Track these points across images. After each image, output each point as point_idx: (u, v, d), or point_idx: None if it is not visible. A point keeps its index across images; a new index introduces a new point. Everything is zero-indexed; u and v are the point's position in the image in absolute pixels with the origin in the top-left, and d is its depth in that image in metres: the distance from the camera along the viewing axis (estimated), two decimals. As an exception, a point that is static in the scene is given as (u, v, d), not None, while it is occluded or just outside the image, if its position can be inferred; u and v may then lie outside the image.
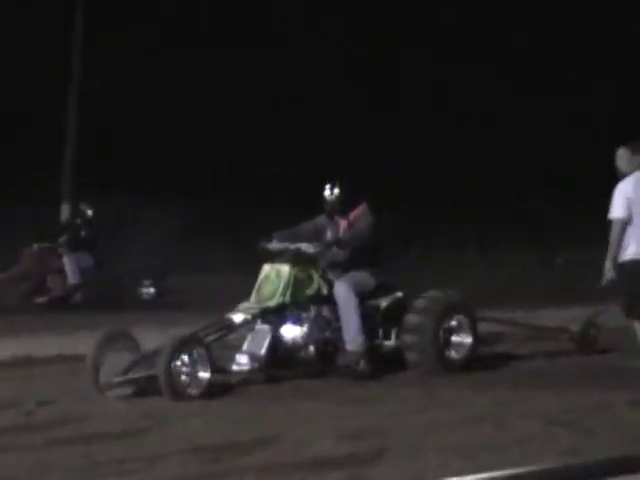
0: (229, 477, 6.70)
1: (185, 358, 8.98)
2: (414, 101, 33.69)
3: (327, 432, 7.66)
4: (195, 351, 9.11)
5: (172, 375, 8.84)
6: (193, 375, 9.04)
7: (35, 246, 17.96)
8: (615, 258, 9.78)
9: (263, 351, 9.56)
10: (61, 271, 17.54)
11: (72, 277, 17.35)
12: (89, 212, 18.05)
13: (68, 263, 17.45)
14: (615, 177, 10.07)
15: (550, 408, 8.39)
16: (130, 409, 8.72)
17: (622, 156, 10.05)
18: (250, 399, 9.21)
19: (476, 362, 10.42)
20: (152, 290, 17.72)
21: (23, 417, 8.30)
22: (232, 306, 9.93)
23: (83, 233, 17.72)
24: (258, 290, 9.92)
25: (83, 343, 10.76)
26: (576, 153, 29.67)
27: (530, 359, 11.24)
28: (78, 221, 18.12)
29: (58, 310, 16.68)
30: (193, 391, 8.99)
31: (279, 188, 27.32)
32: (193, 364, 9.06)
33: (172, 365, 8.83)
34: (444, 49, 33.94)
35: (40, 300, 17.32)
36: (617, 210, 9.83)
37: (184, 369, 8.99)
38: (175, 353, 8.93)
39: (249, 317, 9.66)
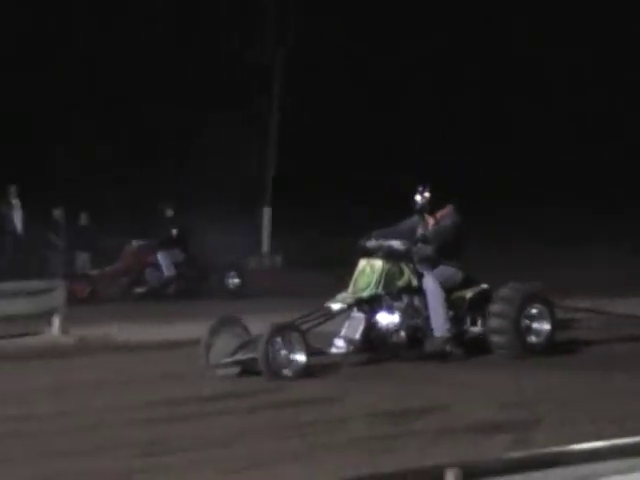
0: (408, 438, 7.75)
1: (281, 342, 10.01)
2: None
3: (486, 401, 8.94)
4: (291, 336, 10.13)
5: (269, 358, 9.85)
6: (289, 358, 10.05)
7: (134, 243, 19.49)
8: None
9: (358, 336, 10.61)
10: (157, 265, 18.98)
11: (166, 271, 18.88)
12: (169, 212, 19.74)
13: (162, 258, 18.99)
14: None
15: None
16: (309, 382, 10.02)
17: None
18: (403, 377, 10.41)
19: (555, 346, 11.35)
20: (237, 280, 18.97)
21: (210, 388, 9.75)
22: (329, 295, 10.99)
23: (174, 231, 19.10)
24: (354, 282, 10.95)
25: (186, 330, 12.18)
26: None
27: (607, 343, 12.22)
28: (169, 214, 19.73)
29: (155, 300, 18.26)
30: (289, 372, 10.00)
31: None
32: (289, 348, 10.05)
33: (269, 349, 9.85)
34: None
35: (139, 291, 18.99)
36: None
37: (282, 352, 10.00)
38: (272, 338, 9.94)
39: (345, 306, 10.70)
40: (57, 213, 21.48)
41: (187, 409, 8.96)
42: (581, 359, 11.40)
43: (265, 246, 27.22)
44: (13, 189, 21.18)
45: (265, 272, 23.56)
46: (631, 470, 4.89)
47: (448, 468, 4.78)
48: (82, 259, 21.28)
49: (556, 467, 5.00)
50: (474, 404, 8.90)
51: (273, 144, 29.44)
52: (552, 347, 11.32)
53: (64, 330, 13.52)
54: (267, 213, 27.41)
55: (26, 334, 13.25)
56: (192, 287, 19.30)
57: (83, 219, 21.80)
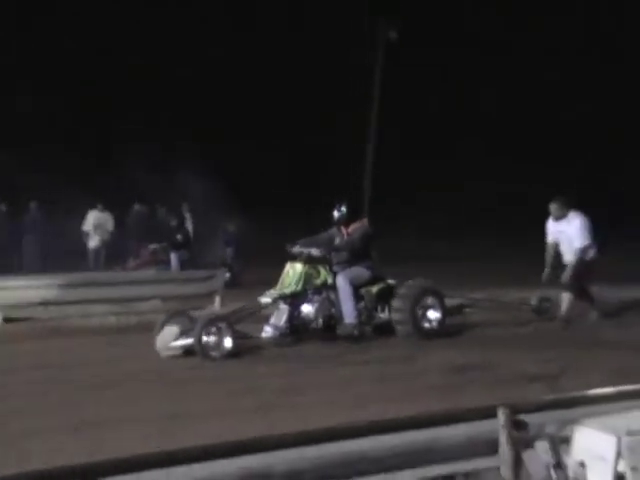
0: (471, 385, 10.22)
1: (213, 330, 12.39)
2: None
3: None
4: (220, 325, 12.46)
5: (201, 343, 12.29)
6: (218, 343, 12.34)
7: (151, 246, 23.72)
8: None
9: (282, 323, 13.50)
10: (168, 263, 22.68)
11: (175, 268, 22.57)
12: (173, 221, 24.41)
13: (173, 258, 22.59)
14: None
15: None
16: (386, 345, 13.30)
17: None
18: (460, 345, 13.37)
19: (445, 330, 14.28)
20: (227, 275, 21.97)
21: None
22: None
23: (179, 237, 23.04)
24: (281, 281, 13.86)
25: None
26: None
27: (493, 326, 15.28)
28: (173, 224, 23.50)
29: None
30: (217, 354, 12.28)
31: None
32: (219, 335, 12.36)
33: (202, 336, 12.36)
34: None
35: None
36: None
37: (212, 338, 12.35)
38: (205, 328, 12.40)
39: (270, 300, 13.62)
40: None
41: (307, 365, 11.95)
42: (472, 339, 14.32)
43: None
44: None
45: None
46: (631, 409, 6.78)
47: (500, 406, 6.65)
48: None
49: (579, 406, 7.01)
50: (516, 360, 11.86)
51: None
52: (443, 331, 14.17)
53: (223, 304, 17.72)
54: None
55: (199, 307, 16.82)
56: None
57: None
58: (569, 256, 15.12)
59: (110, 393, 10.23)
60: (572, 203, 15.20)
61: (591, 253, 15.10)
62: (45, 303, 17.23)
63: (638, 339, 13.44)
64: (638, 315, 16.02)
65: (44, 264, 24.74)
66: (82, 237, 26.73)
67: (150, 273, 21.59)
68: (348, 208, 14.43)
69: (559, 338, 14.09)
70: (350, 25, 35.56)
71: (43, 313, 17.05)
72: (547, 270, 15.30)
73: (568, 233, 15.03)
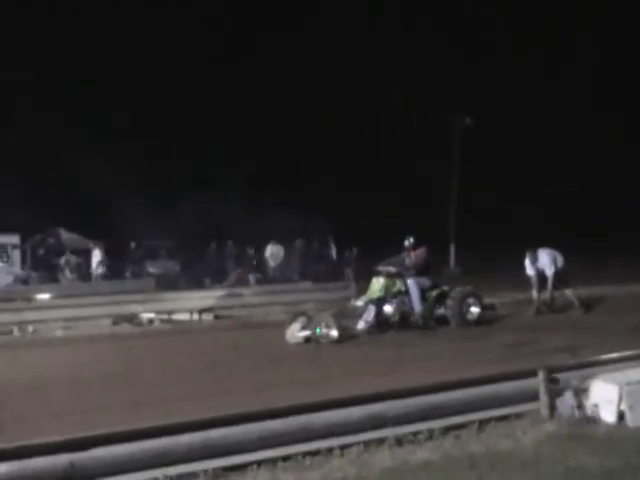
0: (519, 356, 10.75)
1: (323, 324, 13.34)
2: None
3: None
4: (327, 320, 13.38)
5: (315, 334, 13.26)
6: (327, 332, 13.22)
7: (237, 271, 24.71)
8: None
9: (371, 319, 14.33)
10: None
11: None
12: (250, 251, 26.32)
13: (252, 278, 24.50)
14: None
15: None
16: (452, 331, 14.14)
17: None
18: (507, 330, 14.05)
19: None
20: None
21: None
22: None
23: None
24: (369, 290, 14.77)
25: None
26: None
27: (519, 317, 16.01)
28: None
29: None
30: (325, 341, 13.06)
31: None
32: (327, 327, 13.29)
33: (316, 328, 13.30)
34: None
35: None
36: None
37: (324, 330, 13.26)
38: (317, 323, 13.32)
39: (362, 304, 14.51)
40: None
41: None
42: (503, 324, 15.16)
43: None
44: None
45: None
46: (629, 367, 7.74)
47: (540, 368, 7.44)
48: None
49: (593, 367, 7.89)
50: (551, 338, 12.51)
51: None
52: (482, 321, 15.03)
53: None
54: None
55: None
56: None
57: None
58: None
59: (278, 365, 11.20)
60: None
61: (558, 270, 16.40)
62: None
63: (628, 325, 14.07)
64: (623, 308, 16.67)
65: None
66: None
67: (308, 284, 22.33)
68: (414, 239, 15.28)
69: (572, 324, 14.80)
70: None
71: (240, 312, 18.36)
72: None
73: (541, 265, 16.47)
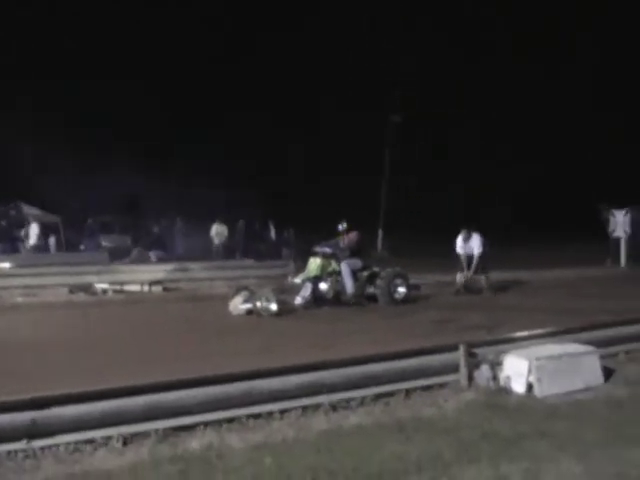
0: (443, 331, 10.75)
1: (264, 298, 13.18)
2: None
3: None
4: (269, 294, 13.30)
5: (257, 307, 13.21)
6: (266, 306, 13.04)
7: (137, 248, 24.19)
8: None
9: (307, 295, 14.30)
10: None
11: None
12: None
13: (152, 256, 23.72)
14: None
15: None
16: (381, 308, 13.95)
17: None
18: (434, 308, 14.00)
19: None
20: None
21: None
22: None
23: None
24: (307, 269, 14.68)
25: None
26: None
27: (442, 296, 16.06)
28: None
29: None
30: (266, 314, 12.86)
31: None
32: (268, 301, 13.08)
33: (257, 302, 13.19)
34: None
35: None
36: None
37: (264, 304, 13.06)
38: (258, 297, 13.22)
39: (300, 281, 14.47)
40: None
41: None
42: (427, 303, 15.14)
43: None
44: None
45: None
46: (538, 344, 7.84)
47: (461, 343, 7.47)
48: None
49: (507, 344, 7.90)
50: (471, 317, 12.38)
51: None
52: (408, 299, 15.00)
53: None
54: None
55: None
56: None
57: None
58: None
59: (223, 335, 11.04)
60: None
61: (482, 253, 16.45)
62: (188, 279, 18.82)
63: (537, 305, 14.27)
64: (532, 289, 16.96)
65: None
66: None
67: (250, 262, 22.12)
68: (347, 224, 15.27)
69: (488, 304, 14.93)
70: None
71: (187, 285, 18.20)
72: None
73: (471, 245, 16.48)
